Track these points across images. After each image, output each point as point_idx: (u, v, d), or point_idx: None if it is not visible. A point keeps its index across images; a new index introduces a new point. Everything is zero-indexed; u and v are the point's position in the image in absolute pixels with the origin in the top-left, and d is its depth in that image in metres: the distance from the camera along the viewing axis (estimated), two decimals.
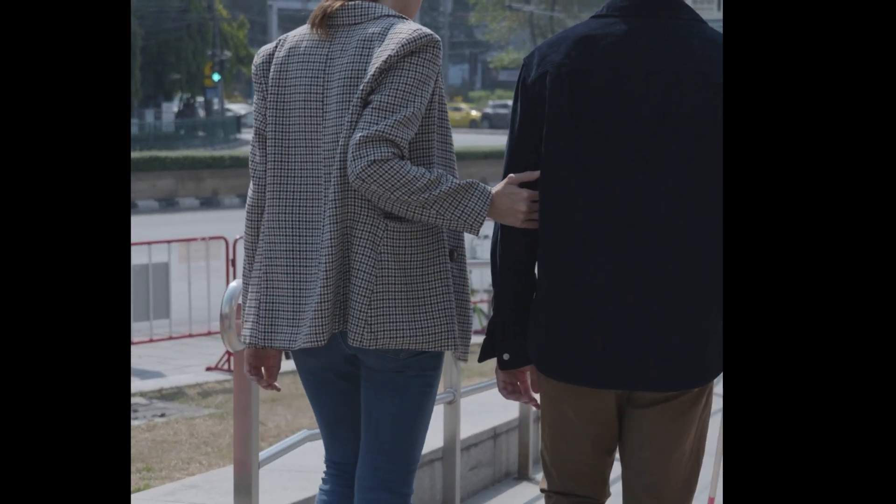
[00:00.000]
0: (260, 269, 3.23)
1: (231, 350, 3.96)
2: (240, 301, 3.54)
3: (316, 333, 3.11)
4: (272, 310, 3.20)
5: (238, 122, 48.89)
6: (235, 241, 10.66)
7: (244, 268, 3.35)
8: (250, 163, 3.31)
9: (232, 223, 22.76)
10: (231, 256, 10.59)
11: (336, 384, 3.32)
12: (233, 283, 3.86)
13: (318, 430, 4.54)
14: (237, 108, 54.38)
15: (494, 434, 6.22)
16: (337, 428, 3.39)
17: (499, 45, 71.31)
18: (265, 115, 3.24)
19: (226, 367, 10.14)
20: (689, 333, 3.00)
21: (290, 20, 77.60)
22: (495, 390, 6.28)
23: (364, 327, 3.10)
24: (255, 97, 3.30)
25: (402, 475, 3.26)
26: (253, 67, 3.30)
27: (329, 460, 3.45)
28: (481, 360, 3.28)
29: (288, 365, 10.32)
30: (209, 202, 29.72)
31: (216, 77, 48.84)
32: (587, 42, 3.03)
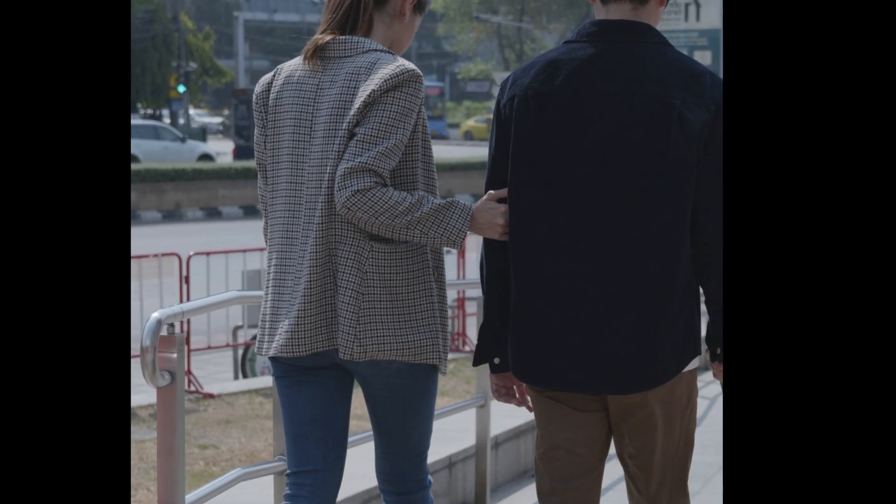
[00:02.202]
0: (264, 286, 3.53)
1: (154, 387, 3.66)
2: (164, 333, 3.63)
3: (297, 345, 3.36)
4: (263, 322, 3.48)
5: (204, 134, 48.49)
6: (189, 258, 10.36)
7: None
8: (258, 191, 3.60)
9: (194, 237, 22.51)
10: (185, 273, 10.28)
11: (313, 383, 3.49)
12: (154, 315, 3.59)
13: (251, 468, 4.30)
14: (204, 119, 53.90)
15: (450, 463, 5.99)
16: (309, 429, 3.51)
17: (466, 56, 71.28)
18: (265, 144, 3.50)
19: None
20: (642, 336, 3.18)
21: (257, 31, 77.41)
22: (451, 417, 6.07)
23: (353, 342, 3.33)
24: (255, 129, 3.55)
25: (414, 465, 3.56)
26: (254, 97, 3.55)
27: (291, 474, 3.53)
28: (475, 364, 3.50)
29: (241, 385, 10.13)
30: (171, 215, 29.33)
31: (181, 89, 48.48)
32: (553, 66, 3.25)
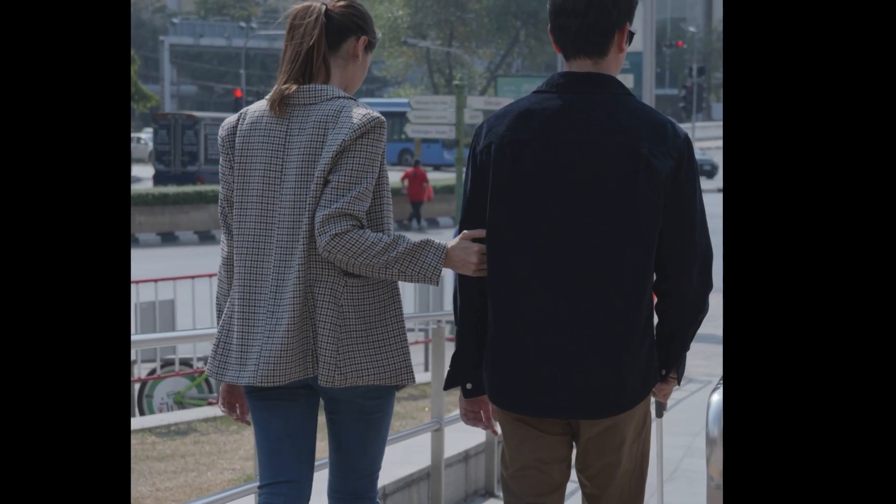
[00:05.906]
0: (224, 314, 3.76)
1: None
2: None
3: (279, 375, 3.59)
4: (226, 350, 3.71)
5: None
6: None
7: (216, 312, 3.84)
8: (221, 222, 3.82)
9: None
10: None
11: (284, 403, 3.74)
12: None
13: None
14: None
15: None
16: (282, 443, 3.76)
17: (396, 82, 71.23)
18: (232, 182, 3.74)
19: None
20: (612, 365, 3.41)
21: (184, 56, 76.81)
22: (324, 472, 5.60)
23: (335, 371, 3.59)
24: (221, 164, 3.80)
25: (367, 483, 3.82)
26: (219, 139, 3.80)
27: (266, 485, 3.76)
28: (447, 388, 3.70)
29: (134, 424, 9.58)
30: None
31: None
32: (527, 115, 3.48)
